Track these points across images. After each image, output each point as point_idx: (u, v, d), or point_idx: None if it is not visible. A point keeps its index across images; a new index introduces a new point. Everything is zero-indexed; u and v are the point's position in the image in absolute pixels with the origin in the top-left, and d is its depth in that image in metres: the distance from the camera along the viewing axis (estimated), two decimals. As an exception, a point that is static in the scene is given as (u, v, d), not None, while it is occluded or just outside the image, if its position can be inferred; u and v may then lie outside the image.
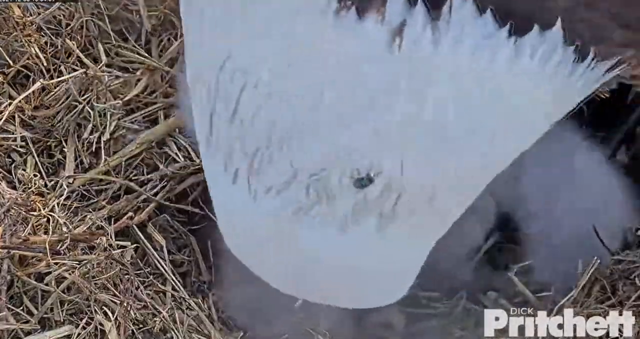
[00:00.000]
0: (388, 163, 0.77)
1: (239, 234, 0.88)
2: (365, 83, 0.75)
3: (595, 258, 1.06)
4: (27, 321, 0.97)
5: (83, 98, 1.14)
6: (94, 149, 1.14)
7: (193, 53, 0.85)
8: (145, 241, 1.11)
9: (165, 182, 1.16)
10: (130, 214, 1.12)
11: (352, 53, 0.75)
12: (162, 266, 1.10)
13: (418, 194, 0.79)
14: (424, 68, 0.75)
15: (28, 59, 1.17)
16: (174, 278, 1.09)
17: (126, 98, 1.17)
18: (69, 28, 1.20)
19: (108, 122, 1.13)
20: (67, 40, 1.18)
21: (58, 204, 1.03)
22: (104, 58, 1.19)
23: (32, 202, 1.02)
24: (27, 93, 1.13)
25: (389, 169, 0.77)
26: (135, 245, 1.09)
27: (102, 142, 1.13)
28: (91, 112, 1.14)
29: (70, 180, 1.10)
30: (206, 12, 0.80)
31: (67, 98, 1.14)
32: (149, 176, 1.16)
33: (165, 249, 1.13)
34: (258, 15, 0.77)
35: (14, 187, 1.06)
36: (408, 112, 0.76)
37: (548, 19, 0.77)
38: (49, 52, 1.18)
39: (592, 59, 0.79)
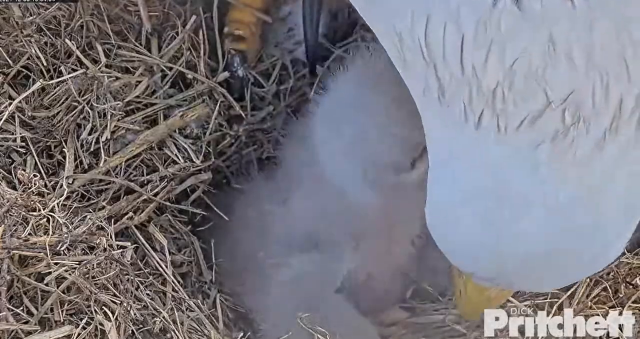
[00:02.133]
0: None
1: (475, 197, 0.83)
2: None
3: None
4: (27, 322, 0.97)
5: (83, 98, 1.14)
6: (93, 150, 1.14)
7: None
8: (144, 242, 1.11)
9: (166, 183, 1.16)
10: (130, 214, 1.12)
11: None
12: (162, 267, 1.10)
13: None
14: None
15: (28, 59, 1.17)
16: (174, 280, 1.09)
17: (127, 99, 1.17)
18: (69, 28, 1.20)
19: (108, 123, 1.13)
20: (67, 41, 1.18)
21: (58, 204, 1.03)
22: (103, 58, 1.19)
23: (32, 203, 1.02)
24: (27, 93, 1.13)
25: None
26: (135, 245, 1.09)
27: (101, 142, 1.13)
28: (91, 113, 1.14)
29: (70, 180, 1.10)
30: None
31: (67, 98, 1.14)
32: (148, 176, 1.16)
33: (166, 249, 1.13)
34: None
35: (14, 188, 1.06)
36: None
37: None
38: (49, 53, 1.18)
39: None
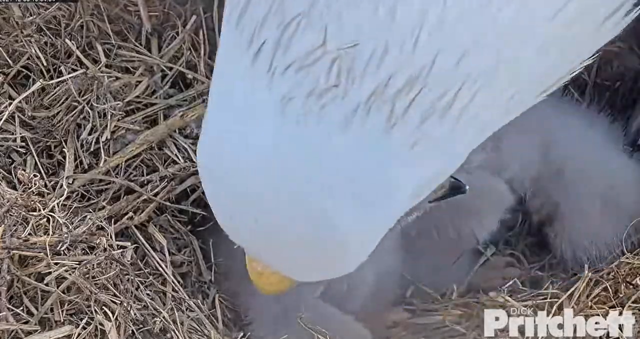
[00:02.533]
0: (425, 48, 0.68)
1: (233, 134, 0.74)
2: None
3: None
4: (27, 322, 0.97)
5: (83, 98, 1.14)
6: (93, 150, 1.14)
7: None
8: (144, 242, 1.11)
9: (166, 183, 1.16)
10: (130, 214, 1.12)
11: None
12: (162, 267, 1.10)
13: (441, 93, 0.70)
14: None
15: (28, 59, 1.17)
16: (173, 280, 1.09)
17: (127, 99, 1.17)
18: (69, 28, 1.20)
19: (108, 123, 1.13)
20: (67, 41, 1.18)
21: (58, 204, 1.03)
22: (103, 58, 1.19)
23: (32, 203, 1.02)
24: (27, 93, 1.13)
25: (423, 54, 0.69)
26: (135, 245, 1.09)
27: (101, 142, 1.13)
28: (91, 113, 1.14)
29: (70, 180, 1.10)
30: None
31: (67, 98, 1.14)
32: (148, 176, 1.16)
33: (166, 249, 1.13)
34: None
35: (14, 188, 1.06)
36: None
37: None
38: (49, 53, 1.18)
39: None
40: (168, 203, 1.17)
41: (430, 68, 0.69)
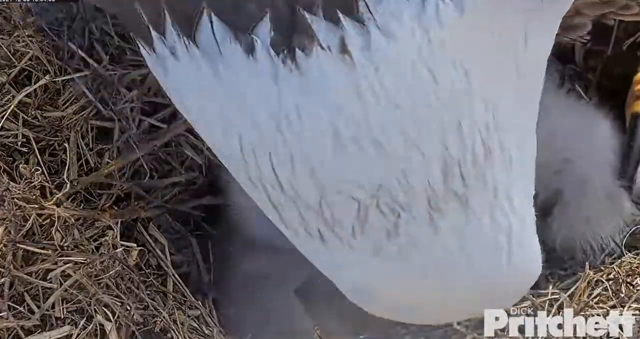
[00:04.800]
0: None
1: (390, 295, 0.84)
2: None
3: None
4: (29, 319, 0.97)
5: (87, 99, 1.14)
6: (98, 150, 1.14)
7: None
8: (151, 241, 1.11)
9: (169, 185, 1.17)
10: (133, 215, 1.12)
11: None
12: (166, 267, 1.10)
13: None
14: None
15: (30, 59, 1.17)
16: (178, 279, 1.09)
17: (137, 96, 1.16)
18: (70, 29, 1.20)
19: (115, 124, 1.13)
20: (70, 43, 1.18)
21: (63, 202, 1.03)
22: (104, 57, 1.19)
23: (37, 199, 1.02)
24: (30, 89, 1.12)
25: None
26: (140, 248, 1.09)
27: (108, 143, 1.13)
28: (98, 113, 1.13)
29: (75, 182, 1.10)
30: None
31: (74, 98, 1.14)
32: (152, 179, 1.16)
33: (166, 250, 1.12)
34: None
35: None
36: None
37: None
38: (51, 53, 1.18)
39: None
40: (170, 206, 1.16)
41: None
